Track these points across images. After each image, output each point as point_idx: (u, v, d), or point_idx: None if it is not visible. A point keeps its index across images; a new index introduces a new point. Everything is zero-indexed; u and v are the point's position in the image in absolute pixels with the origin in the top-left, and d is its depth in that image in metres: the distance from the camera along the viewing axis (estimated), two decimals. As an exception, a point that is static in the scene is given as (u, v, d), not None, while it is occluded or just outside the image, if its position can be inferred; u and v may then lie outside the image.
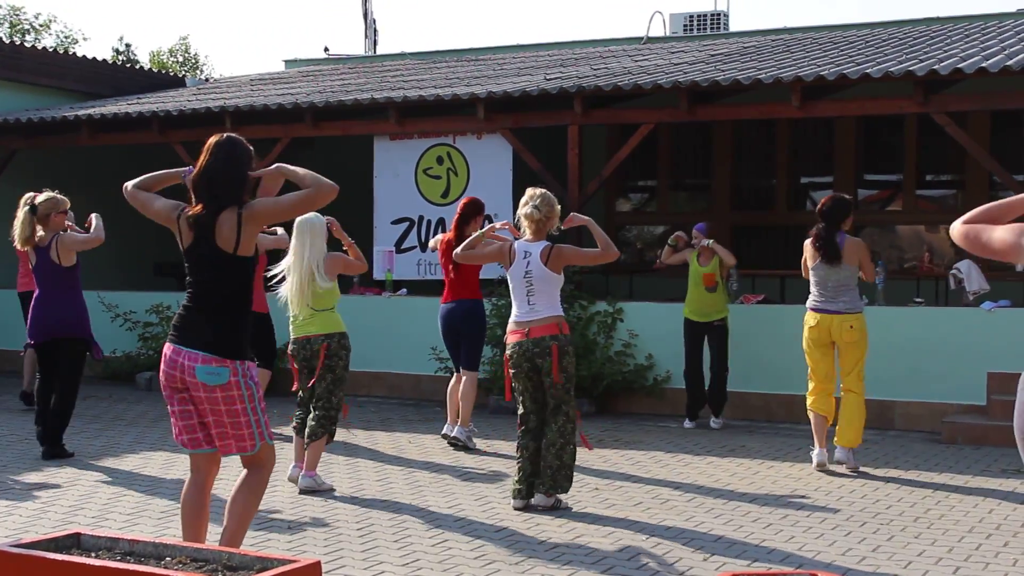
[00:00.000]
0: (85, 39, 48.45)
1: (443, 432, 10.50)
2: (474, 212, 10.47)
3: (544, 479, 7.91)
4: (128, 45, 46.66)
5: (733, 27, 20.70)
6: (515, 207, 13.22)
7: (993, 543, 7.15)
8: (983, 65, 11.27)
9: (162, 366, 5.70)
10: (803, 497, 8.41)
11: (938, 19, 17.82)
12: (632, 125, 13.62)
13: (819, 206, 9.69)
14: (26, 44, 20.17)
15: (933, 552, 6.95)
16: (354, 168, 14.67)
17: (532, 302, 7.95)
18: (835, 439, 9.44)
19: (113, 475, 9.07)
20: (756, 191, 17.88)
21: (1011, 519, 7.75)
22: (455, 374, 10.55)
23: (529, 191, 8.13)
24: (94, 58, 19.01)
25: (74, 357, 9.73)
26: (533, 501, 7.95)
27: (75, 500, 8.15)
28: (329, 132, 14.95)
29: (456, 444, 10.30)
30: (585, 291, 13.20)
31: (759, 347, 12.02)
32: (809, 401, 9.62)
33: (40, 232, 9.55)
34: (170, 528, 7.36)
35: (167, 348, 5.69)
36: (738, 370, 11.80)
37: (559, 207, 8.14)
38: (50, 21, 44.62)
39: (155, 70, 24.44)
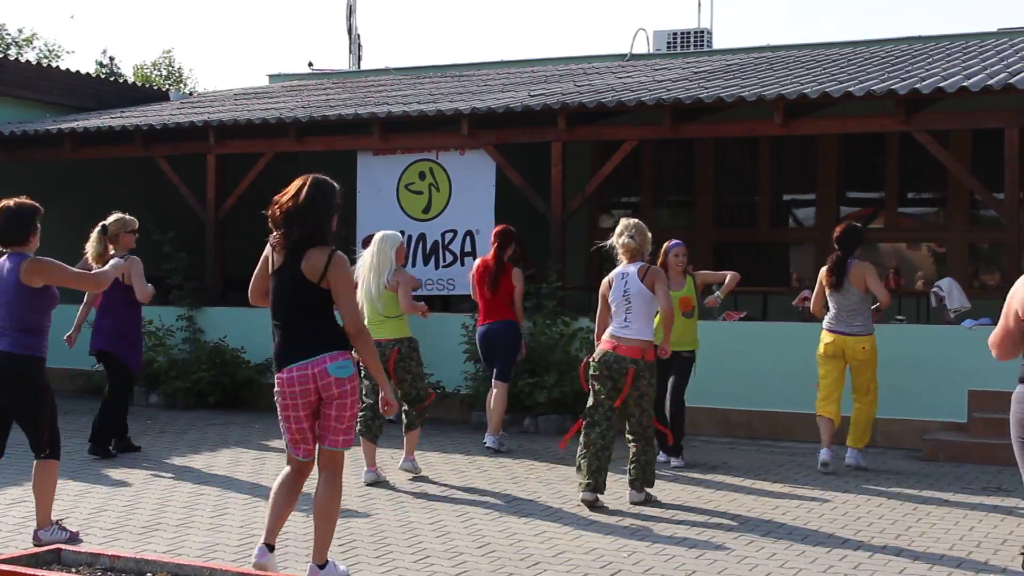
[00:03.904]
0: (68, 52, 48.33)
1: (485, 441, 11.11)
2: (508, 240, 11.14)
3: (636, 478, 8.72)
4: (112, 58, 46.61)
5: (716, 44, 20.79)
6: (498, 222, 13.35)
7: (974, 560, 7.17)
8: (964, 84, 11.34)
9: (287, 389, 6.24)
10: (784, 514, 8.43)
11: (920, 38, 17.92)
12: (615, 142, 13.66)
13: (835, 234, 10.29)
14: (8, 57, 20.11)
15: (914, 570, 6.96)
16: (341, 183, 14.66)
17: (628, 320, 8.64)
18: (847, 441, 10.23)
19: (93, 489, 9.03)
20: (739, 208, 17.93)
21: (992, 536, 7.77)
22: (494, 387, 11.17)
23: (623, 222, 8.85)
24: (77, 71, 18.96)
25: (118, 369, 10.50)
26: (628, 500, 8.68)
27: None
28: (313, 147, 14.95)
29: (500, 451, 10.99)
30: (568, 307, 13.20)
31: (741, 364, 12.04)
32: (817, 407, 10.22)
33: (111, 251, 10.03)
34: (151, 543, 7.33)
35: (285, 373, 6.24)
36: (720, 387, 11.82)
37: (650, 235, 8.88)
38: (32, 36, 44.43)
39: (139, 84, 24.41)
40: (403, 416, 9.69)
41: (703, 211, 17.52)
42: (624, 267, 8.79)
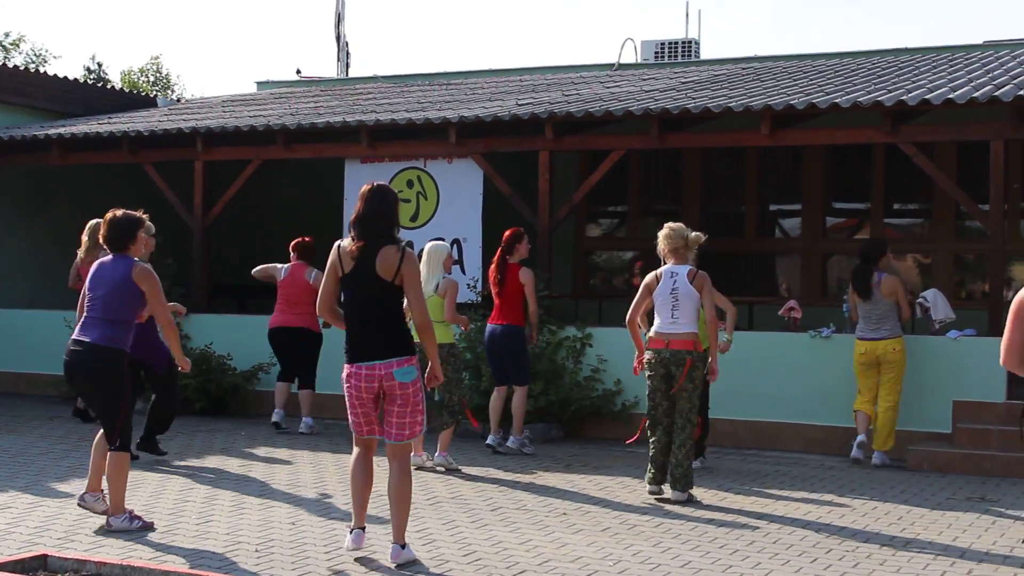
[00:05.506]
0: (56, 57, 48.26)
1: (487, 442, 11.39)
2: (514, 241, 11.45)
3: (677, 479, 9.11)
4: (100, 64, 46.48)
5: (704, 55, 20.84)
6: (485, 231, 13.38)
7: (958, 570, 7.20)
8: (950, 96, 11.39)
9: (355, 383, 7.00)
10: (770, 523, 8.45)
11: (906, 50, 18.00)
12: (603, 151, 13.68)
13: (860, 247, 11.48)
14: (-4, 62, 20.09)
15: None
16: (328, 190, 14.66)
17: (676, 316, 9.21)
18: (873, 444, 10.92)
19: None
20: (725, 218, 17.96)
21: (976, 546, 7.80)
22: (497, 388, 11.52)
23: (671, 225, 9.37)
24: (65, 77, 18.93)
25: (158, 374, 10.42)
26: (671, 498, 9.10)
27: (41, 521, 8.09)
28: (301, 155, 14.96)
29: (497, 451, 11.30)
30: (554, 316, 13.21)
31: (727, 374, 11.98)
32: (856, 404, 11.14)
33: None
34: (136, 550, 7.32)
35: (354, 368, 6.98)
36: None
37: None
38: (20, 40, 44.31)
39: (126, 90, 24.40)
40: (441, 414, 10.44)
41: (690, 220, 17.39)
42: (673, 266, 9.33)
